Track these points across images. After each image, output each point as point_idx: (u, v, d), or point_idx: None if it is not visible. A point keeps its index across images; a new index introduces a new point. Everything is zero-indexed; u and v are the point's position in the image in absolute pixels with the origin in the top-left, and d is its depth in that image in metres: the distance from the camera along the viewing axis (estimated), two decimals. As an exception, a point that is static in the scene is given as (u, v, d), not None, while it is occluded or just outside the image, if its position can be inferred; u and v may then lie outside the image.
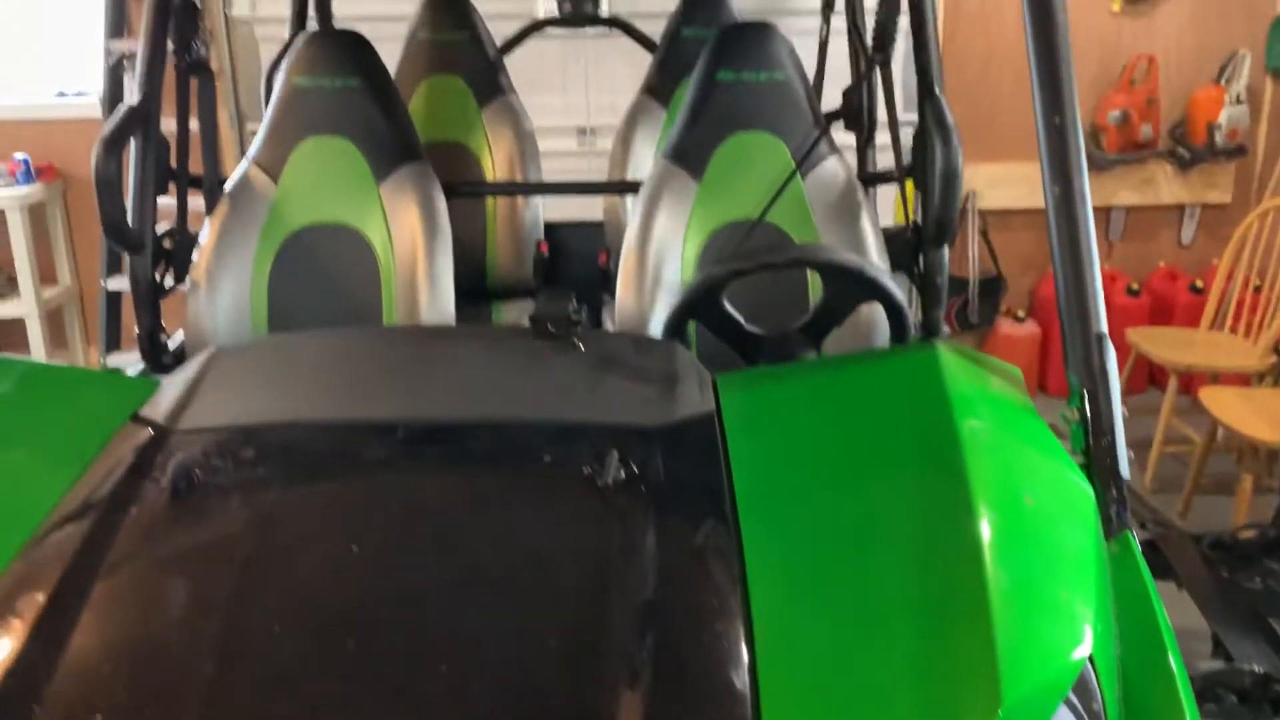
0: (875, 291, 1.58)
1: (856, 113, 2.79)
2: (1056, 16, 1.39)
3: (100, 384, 1.45)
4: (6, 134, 4.64)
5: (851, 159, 2.82)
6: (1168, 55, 4.66)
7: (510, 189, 2.95)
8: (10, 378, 1.39)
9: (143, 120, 2.20)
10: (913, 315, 2.34)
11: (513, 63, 4.57)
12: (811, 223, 2.23)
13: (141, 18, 2.27)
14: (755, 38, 2.29)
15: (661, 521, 1.09)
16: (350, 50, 2.31)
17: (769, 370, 1.51)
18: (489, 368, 1.36)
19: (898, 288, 1.59)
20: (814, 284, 2.17)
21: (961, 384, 1.23)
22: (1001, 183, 4.76)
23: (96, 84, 4.72)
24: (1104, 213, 4.86)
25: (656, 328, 2.20)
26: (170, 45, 2.27)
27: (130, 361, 4.90)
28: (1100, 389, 1.27)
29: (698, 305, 1.60)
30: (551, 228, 3.14)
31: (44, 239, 4.81)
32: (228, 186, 2.28)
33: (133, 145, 2.21)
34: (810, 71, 3.04)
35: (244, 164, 2.30)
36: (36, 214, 4.71)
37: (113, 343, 4.72)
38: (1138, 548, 1.19)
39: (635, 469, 1.15)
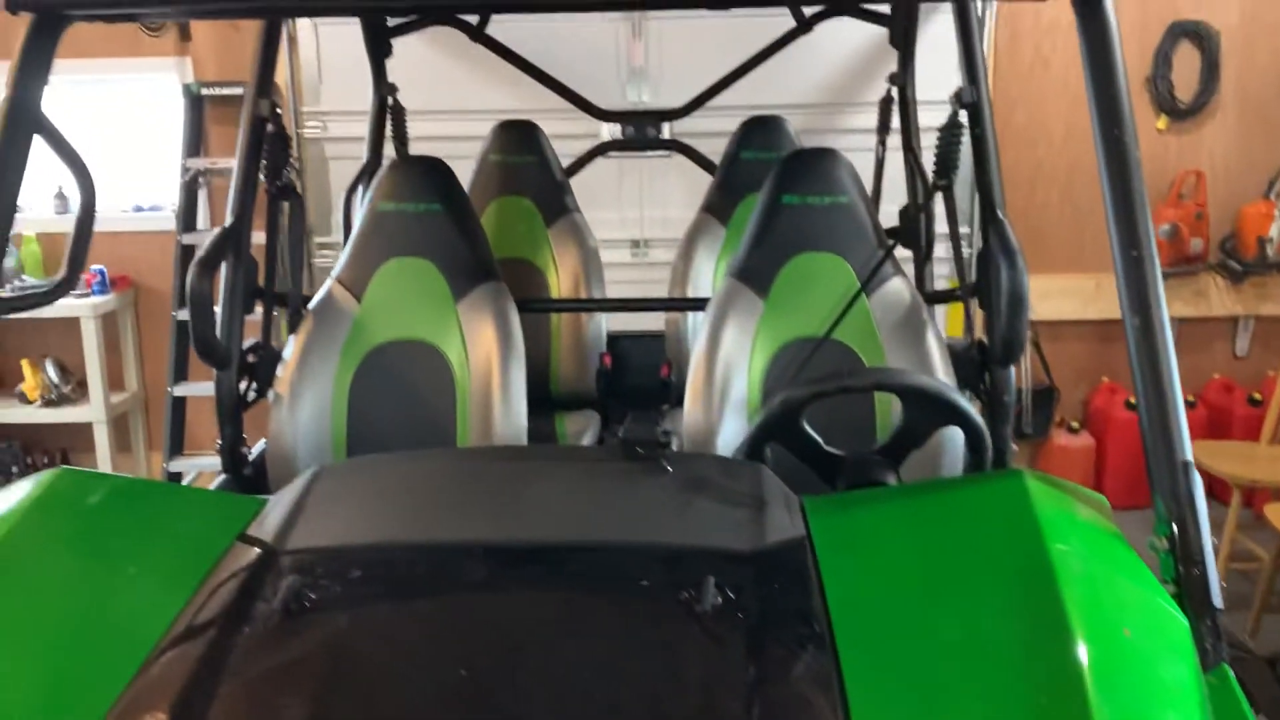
0: (956, 416, 1.61)
1: (914, 232, 2.85)
2: (1130, 153, 1.44)
3: (207, 502, 1.50)
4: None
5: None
6: (1215, 170, 4.72)
7: (579, 306, 3.04)
8: (120, 496, 1.45)
9: (235, 241, 2.30)
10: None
11: (571, 179, 4.74)
12: (878, 340, 2.27)
13: (236, 143, 2.40)
14: (819, 163, 2.37)
15: (760, 648, 1.11)
16: (433, 176, 2.42)
17: (856, 495, 1.54)
18: (582, 490, 1.39)
19: (977, 413, 1.62)
20: (881, 405, 2.20)
21: (1051, 512, 1.25)
22: (1052, 294, 4.80)
23: (170, 199, 4.95)
24: (1156, 324, 4.87)
25: (725, 443, 2.24)
26: (262, 171, 2.39)
27: (191, 467, 4.99)
28: (1189, 517, 1.28)
29: (778, 426, 1.64)
30: (613, 339, 3.21)
31: (114, 346, 4.97)
32: (312, 304, 2.37)
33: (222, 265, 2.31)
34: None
35: (328, 282, 2.39)
36: (109, 322, 4.87)
37: (176, 448, 4.84)
38: (1235, 681, 1.19)
39: (732, 594, 1.17)
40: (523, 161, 3.18)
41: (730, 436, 2.25)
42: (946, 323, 4.90)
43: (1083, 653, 1.05)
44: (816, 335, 2.27)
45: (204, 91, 4.74)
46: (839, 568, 1.24)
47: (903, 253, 3.02)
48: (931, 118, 4.49)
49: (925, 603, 1.17)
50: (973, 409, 1.61)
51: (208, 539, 1.33)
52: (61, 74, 4.90)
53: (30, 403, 4.82)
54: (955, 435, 2.14)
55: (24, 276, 4.83)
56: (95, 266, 4.82)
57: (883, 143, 3.34)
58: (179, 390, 4.79)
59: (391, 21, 3.14)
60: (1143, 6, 4.60)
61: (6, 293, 4.72)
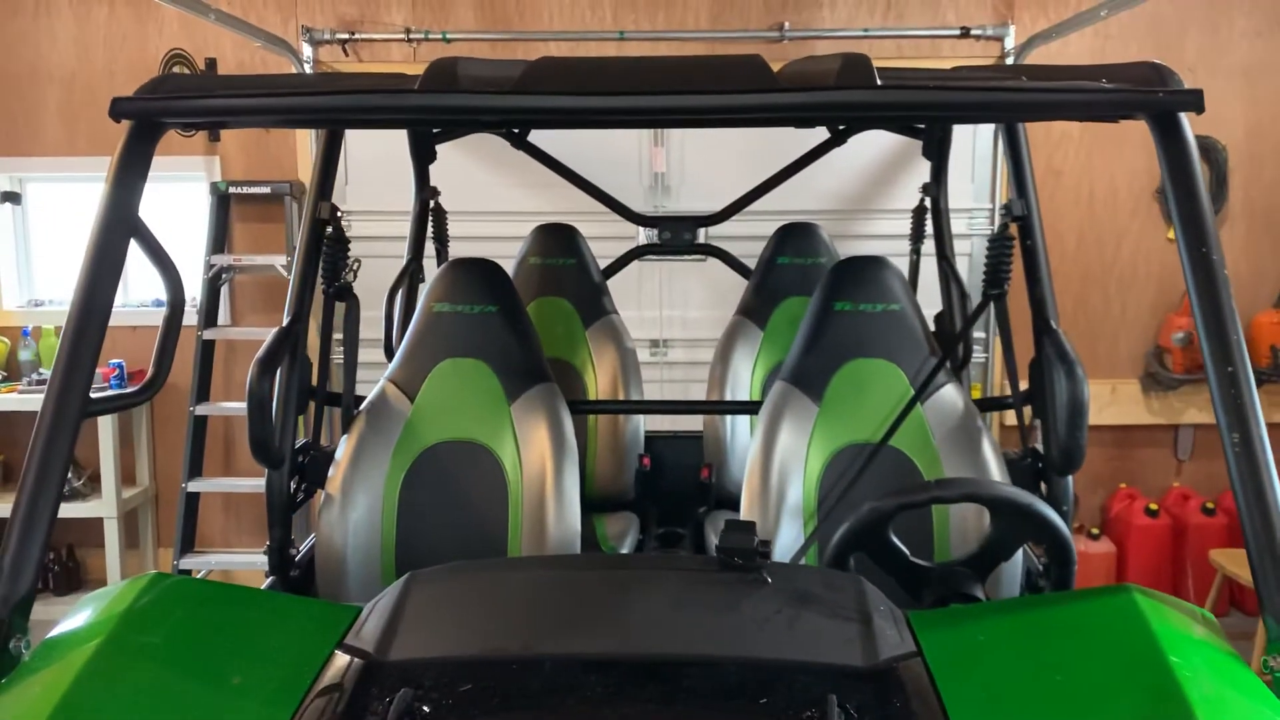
0: (1047, 530, 1.60)
1: (952, 341, 2.88)
2: (1217, 270, 1.47)
3: (300, 609, 1.47)
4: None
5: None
6: (1225, 280, 4.80)
7: (622, 408, 3.04)
8: (212, 602, 1.42)
9: (292, 342, 2.31)
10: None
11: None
12: (932, 447, 2.28)
13: (297, 246, 2.43)
14: (871, 271, 2.40)
15: (892, 768, 1.09)
16: (489, 278, 2.44)
17: (961, 610, 1.52)
18: (686, 600, 1.37)
19: (1067, 529, 1.61)
20: (939, 516, 2.20)
21: (1169, 630, 1.24)
22: (1068, 399, 4.82)
23: (190, 294, 4.97)
24: (1172, 431, 4.90)
25: (781, 548, 2.22)
26: (320, 272, 2.41)
27: (201, 564, 4.90)
28: (1304, 637, 1.27)
29: (865, 535, 1.63)
30: (650, 440, 3.21)
31: (128, 441, 4.93)
32: (365, 404, 2.37)
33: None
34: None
35: (381, 383, 2.39)
36: (124, 417, 4.85)
37: (187, 545, 4.77)
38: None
39: (855, 713, 1.15)
40: (562, 264, 3.22)
41: (787, 541, 2.24)
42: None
43: (1226, 776, 1.03)
44: (871, 441, 2.27)
45: (231, 190, 4.80)
46: (957, 685, 1.22)
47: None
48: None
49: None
50: (1064, 526, 1.61)
51: (307, 647, 1.31)
52: (91, 170, 4.96)
53: (40, 497, 4.74)
54: None
55: (41, 370, 4.81)
56: (113, 360, 4.81)
57: (916, 250, 3.40)
58: (193, 486, 4.74)
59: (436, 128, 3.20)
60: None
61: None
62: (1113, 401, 4.85)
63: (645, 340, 4.94)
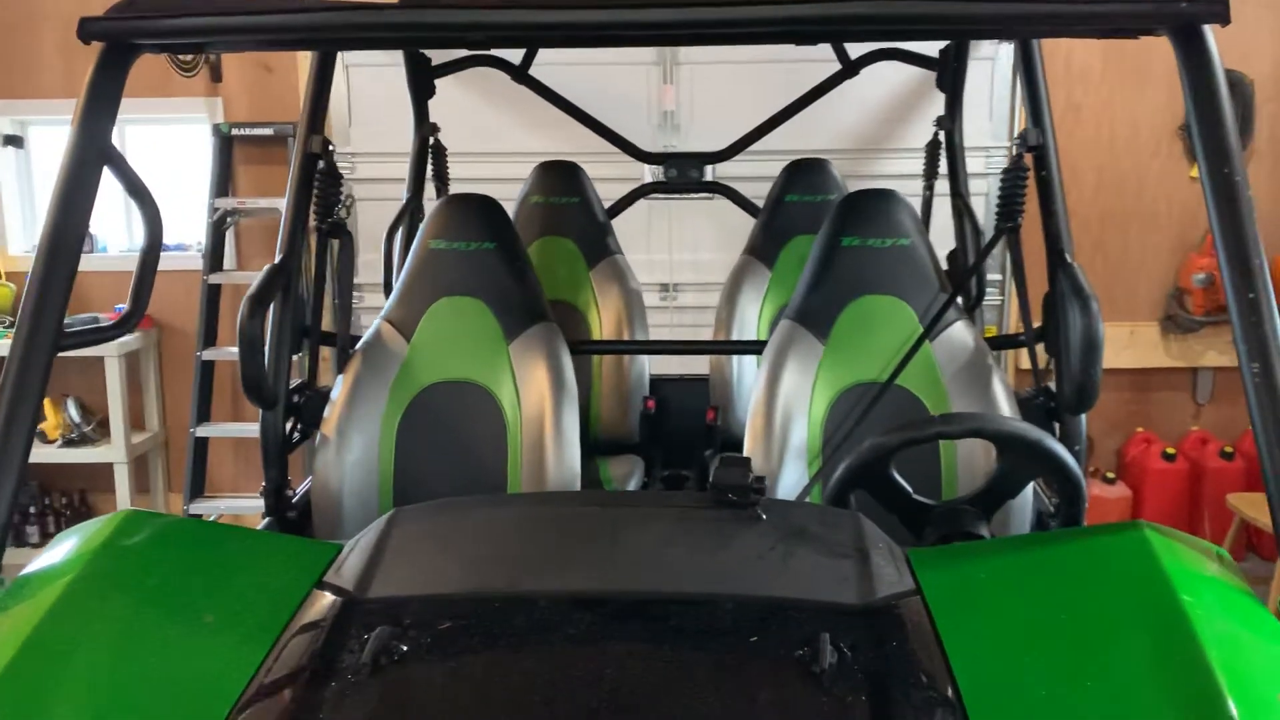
0: (1055, 467, 1.54)
1: (963, 276, 2.81)
2: (1240, 191, 1.39)
3: (279, 546, 1.44)
4: (110, 285, 4.80)
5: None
6: (1249, 219, 4.69)
7: (625, 348, 2.98)
8: (189, 539, 1.39)
9: (284, 279, 2.25)
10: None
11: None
12: (941, 386, 2.21)
13: (287, 181, 2.36)
14: (879, 204, 2.33)
15: (886, 710, 1.04)
16: (486, 215, 2.38)
17: (962, 548, 1.47)
18: (676, 538, 1.33)
19: (1077, 465, 1.55)
20: (947, 454, 2.14)
21: (1181, 567, 1.19)
22: (1085, 343, 4.74)
23: (195, 238, 4.93)
24: (1191, 375, 4.81)
25: (785, 488, 2.18)
26: (312, 209, 2.35)
27: (211, 509, 4.91)
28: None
29: (867, 472, 1.57)
30: (655, 383, 3.15)
31: (137, 386, 4.91)
32: (360, 344, 2.32)
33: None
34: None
35: (376, 322, 2.34)
36: (131, 362, 4.83)
37: (196, 490, 4.77)
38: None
39: (848, 652, 1.10)
40: (565, 202, 3.14)
41: (790, 482, 2.19)
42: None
43: (1237, 717, 0.98)
44: (878, 380, 2.21)
45: (234, 132, 4.73)
46: (957, 624, 1.17)
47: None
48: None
49: (1055, 662, 1.10)
50: (1074, 462, 1.55)
51: (285, 585, 1.27)
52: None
53: (50, 442, 4.76)
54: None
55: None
56: (119, 305, 4.78)
57: (930, 187, 3.31)
58: (201, 431, 4.73)
59: (435, 61, 3.12)
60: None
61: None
62: (1131, 344, 4.75)
63: (655, 284, 4.87)
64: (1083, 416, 2.18)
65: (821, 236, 2.35)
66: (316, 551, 1.36)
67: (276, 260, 2.26)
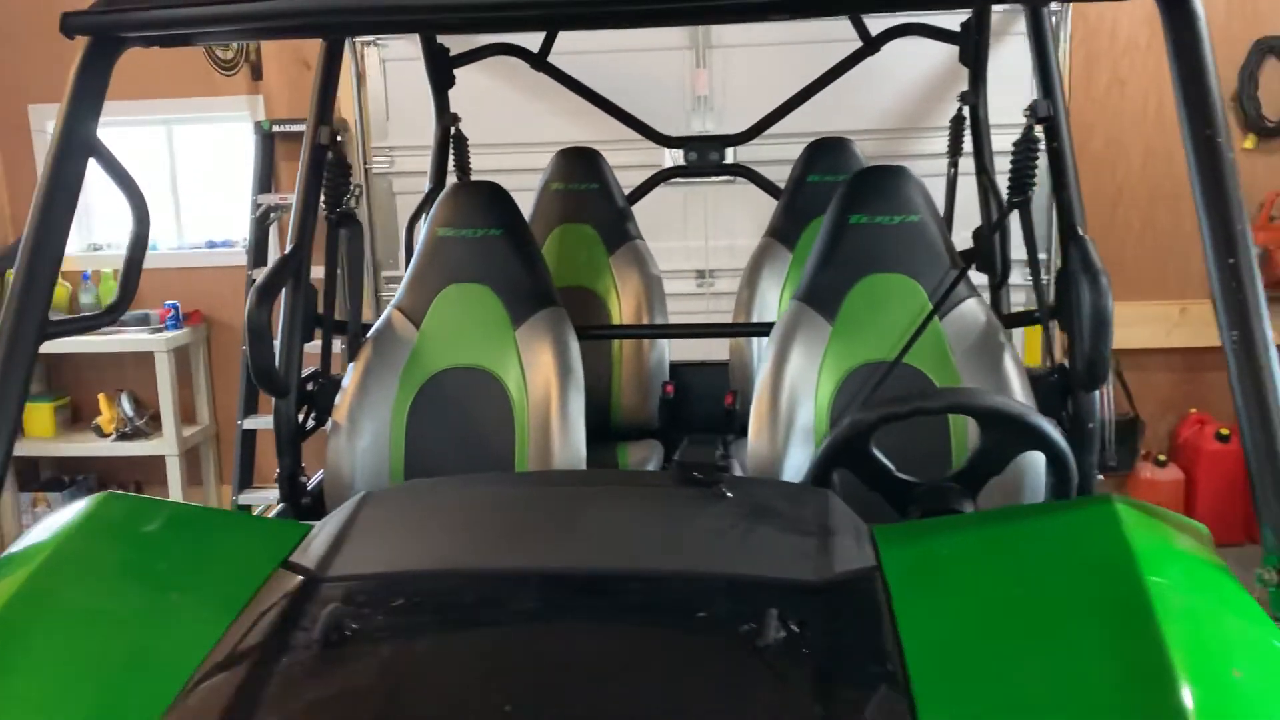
0: (1038, 440, 1.50)
1: (988, 254, 2.75)
2: (1223, 155, 1.34)
3: (252, 527, 1.46)
4: (160, 282, 4.93)
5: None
6: (1306, 191, 4.53)
7: (640, 333, 2.98)
8: (165, 521, 1.42)
9: (295, 269, 2.29)
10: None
11: (636, 209, 4.70)
12: (951, 365, 2.17)
13: (297, 174, 2.40)
14: (888, 181, 2.29)
15: (828, 687, 1.03)
16: (492, 201, 2.39)
17: (930, 524, 1.44)
18: (637, 516, 1.32)
19: (1062, 437, 1.51)
20: (957, 430, 2.10)
21: (1147, 541, 1.15)
22: (1134, 322, 4.62)
23: (242, 234, 5.02)
24: (1247, 352, 4.65)
25: (790, 472, 2.15)
26: (322, 199, 2.38)
27: (260, 500, 5.02)
28: (1301, 547, 1.16)
29: (846, 450, 1.55)
30: (676, 368, 3.14)
31: (187, 380, 5.03)
32: (372, 332, 2.35)
33: (282, 293, 2.30)
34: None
35: (388, 310, 2.37)
36: (181, 357, 4.94)
37: (245, 481, 4.88)
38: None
39: (796, 628, 1.09)
40: (584, 189, 3.14)
41: (796, 465, 2.16)
42: (1024, 350, 4.75)
43: (1188, 696, 0.94)
44: (887, 359, 2.18)
45: (275, 129, 4.81)
46: (913, 601, 1.15)
47: (978, 278, 2.93)
48: (1001, 142, 4.41)
49: (1008, 640, 1.08)
50: (1056, 432, 1.51)
51: (251, 565, 1.29)
52: (137, 114, 5.00)
53: (106, 436, 4.90)
54: (1037, 461, 2.03)
55: (102, 312, 4.92)
56: (169, 302, 4.90)
57: (954, 164, 3.25)
58: (249, 424, 4.82)
59: (454, 51, 3.14)
60: (1227, 23, 4.44)
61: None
62: (1182, 323, 4.62)
63: (691, 271, 4.85)
64: (1096, 394, 2.13)
65: (830, 216, 2.32)
66: (287, 532, 1.38)
67: (286, 251, 2.30)
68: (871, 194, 2.28)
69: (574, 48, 4.65)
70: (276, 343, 2.26)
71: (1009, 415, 1.50)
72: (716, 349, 3.24)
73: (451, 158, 3.27)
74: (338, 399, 2.28)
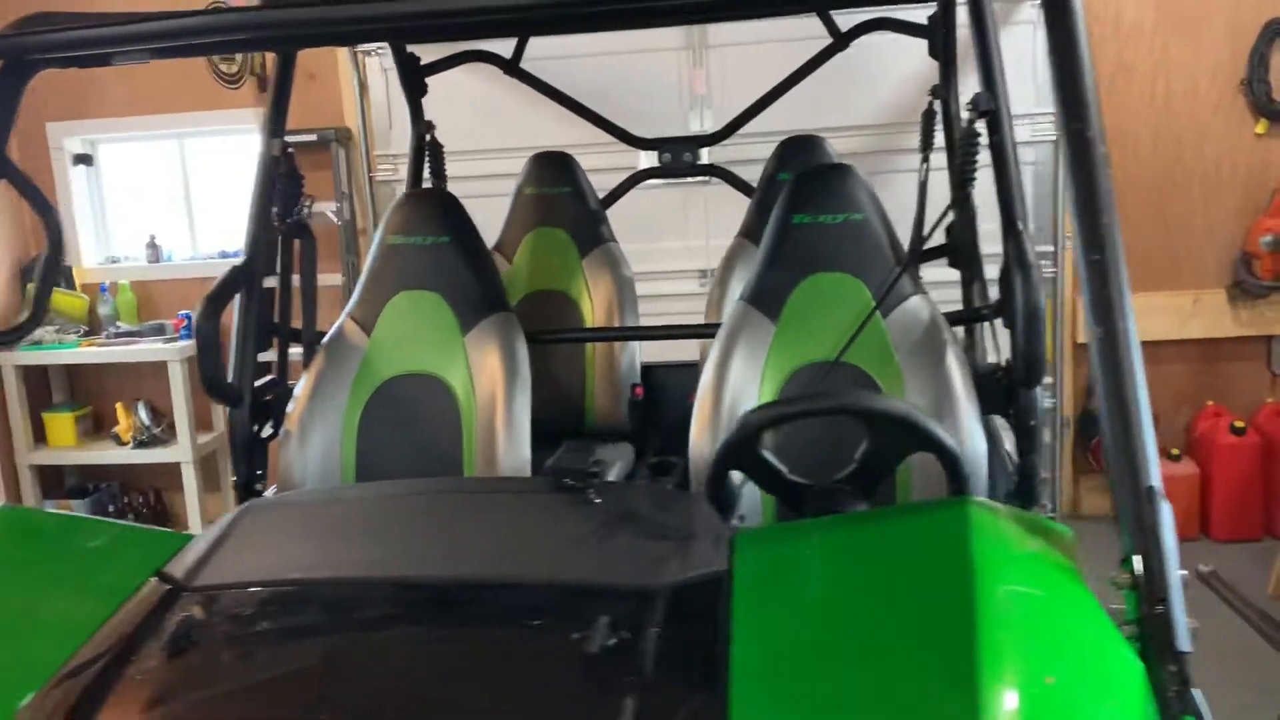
0: (925, 442, 1.48)
1: (961, 249, 2.71)
2: (1095, 149, 1.31)
3: (136, 539, 1.49)
4: (174, 292, 5.04)
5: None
6: (1322, 176, 4.40)
7: (604, 335, 2.98)
8: (53, 533, 1.45)
9: (247, 280, 2.33)
10: (1011, 461, 2.21)
11: (635, 210, 4.68)
12: (894, 363, 2.15)
13: (254, 185, 2.44)
14: (831, 180, 2.27)
15: (647, 693, 1.03)
16: (441, 209, 2.41)
17: (792, 526, 1.43)
18: (503, 524, 1.33)
19: (950, 436, 1.49)
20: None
21: (991, 547, 1.13)
22: (1147, 314, 4.51)
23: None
24: (1264, 342, 4.53)
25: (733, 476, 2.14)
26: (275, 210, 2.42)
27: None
28: (1153, 549, 1.13)
29: (738, 453, 1.54)
30: (649, 370, 3.14)
31: (201, 389, 5.12)
32: (324, 340, 2.38)
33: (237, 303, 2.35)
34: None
35: (341, 318, 2.40)
36: (194, 366, 5.02)
37: (257, 486, 4.95)
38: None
39: (628, 634, 1.09)
40: (557, 193, 3.16)
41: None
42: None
43: (991, 705, 0.93)
44: (830, 359, 2.16)
45: (281, 139, 4.88)
46: (753, 606, 1.14)
47: (953, 273, 2.88)
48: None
49: (836, 645, 1.07)
50: (943, 433, 1.49)
51: (127, 576, 1.32)
52: (150, 128, 5.11)
53: (124, 444, 5.01)
54: (975, 467, 2.00)
55: (119, 324, 5.05)
56: (183, 311, 5.00)
57: (926, 159, 3.20)
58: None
59: (425, 59, 3.17)
60: (1235, 6, 4.33)
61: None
62: (1196, 313, 4.51)
63: (694, 270, 4.84)
64: (1037, 390, 2.09)
65: (775, 216, 2.31)
66: (170, 543, 1.41)
67: (239, 262, 2.35)
68: (815, 193, 2.27)
69: (571, 51, 4.67)
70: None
71: (894, 416, 1.48)
72: (687, 349, 3.24)
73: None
74: (290, 407, 2.32)
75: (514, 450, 2.23)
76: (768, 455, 1.56)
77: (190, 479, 4.95)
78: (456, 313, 2.34)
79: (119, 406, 5.03)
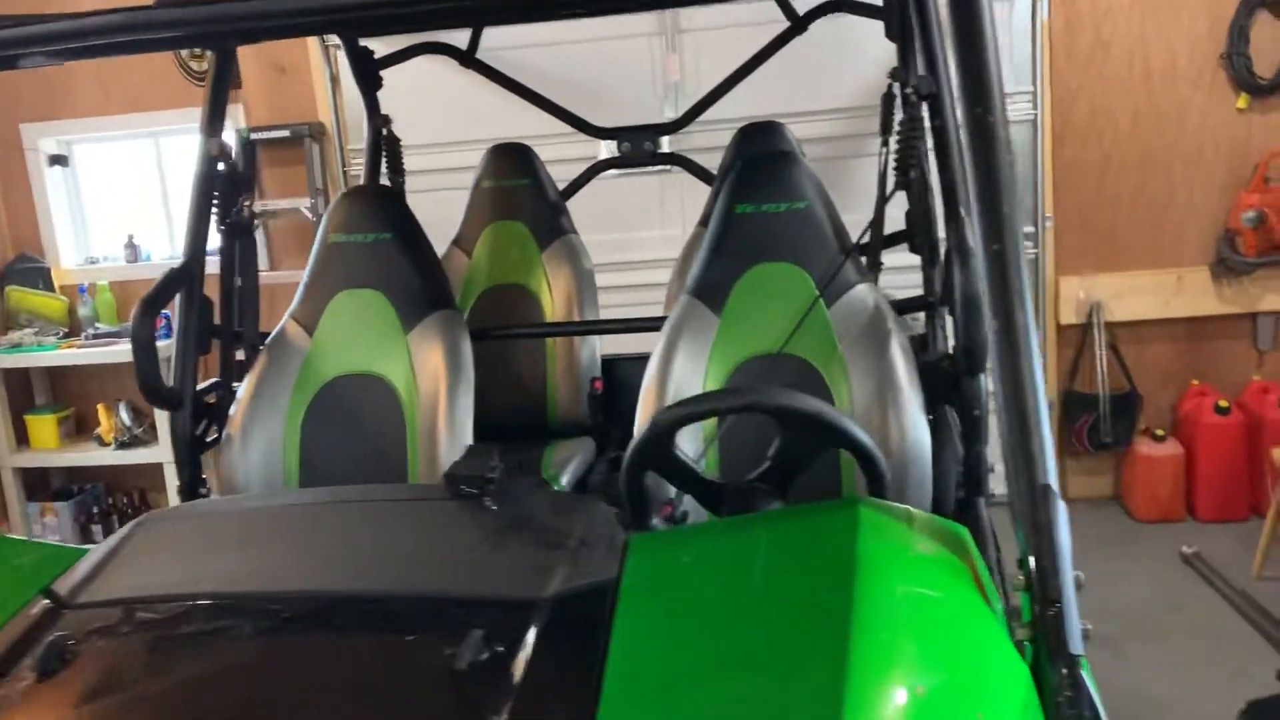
0: (838, 439, 1.45)
1: (920, 235, 2.66)
2: (995, 132, 1.27)
3: (30, 554, 1.47)
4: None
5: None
6: (1306, 149, 4.32)
7: (564, 330, 2.95)
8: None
9: (186, 281, 2.31)
10: (959, 449, 2.17)
11: (611, 199, 4.64)
12: (838, 354, 2.12)
13: (193, 184, 2.41)
14: (775, 169, 2.23)
15: (514, 709, 0.99)
16: (383, 205, 2.38)
17: (691, 529, 1.40)
18: (391, 535, 1.30)
19: (863, 432, 1.45)
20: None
21: (875, 552, 1.09)
22: (1130, 293, 4.47)
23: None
24: (1250, 320, 4.47)
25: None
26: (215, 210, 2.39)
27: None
28: (1047, 550, 1.09)
29: (650, 452, 1.51)
30: (612, 363, 3.10)
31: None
32: (267, 341, 2.35)
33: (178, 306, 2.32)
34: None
35: (284, 319, 2.37)
36: (167, 368, 5.01)
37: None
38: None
39: (501, 649, 1.05)
40: (515, 185, 3.12)
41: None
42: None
43: (854, 716, 0.89)
44: (774, 352, 2.12)
45: (254, 135, 4.86)
46: (636, 615, 1.11)
47: (913, 259, 2.84)
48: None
49: (709, 660, 1.04)
50: (856, 429, 1.45)
51: (15, 593, 1.29)
52: (125, 128, 5.07)
53: (106, 445, 5.01)
54: (917, 457, 1.97)
55: (98, 324, 5.03)
56: (163, 311, 4.97)
57: (886, 143, 3.14)
58: (240, 428, 4.89)
59: (379, 53, 3.13)
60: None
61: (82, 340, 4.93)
62: (1180, 291, 4.45)
63: (671, 259, 4.75)
64: (981, 378, 2.05)
65: (718, 206, 2.27)
66: (65, 558, 1.38)
67: (178, 264, 2.32)
68: (758, 182, 2.23)
69: (543, 40, 4.62)
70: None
71: (803, 413, 1.44)
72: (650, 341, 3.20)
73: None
74: (232, 410, 2.29)
75: (456, 450, 2.20)
76: (680, 454, 1.52)
77: (173, 480, 4.93)
78: (399, 311, 2.31)
79: (100, 407, 5.02)
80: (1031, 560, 1.09)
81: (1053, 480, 1.13)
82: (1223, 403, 4.27)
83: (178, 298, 2.33)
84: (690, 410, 1.49)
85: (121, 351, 4.86)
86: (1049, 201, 4.48)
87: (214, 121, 2.38)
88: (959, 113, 1.29)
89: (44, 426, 5.05)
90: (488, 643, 1.05)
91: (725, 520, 1.46)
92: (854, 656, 0.94)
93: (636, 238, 4.77)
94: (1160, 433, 4.40)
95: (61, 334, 5.04)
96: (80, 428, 5.24)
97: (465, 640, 1.05)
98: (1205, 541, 4.05)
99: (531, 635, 1.08)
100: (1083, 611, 1.06)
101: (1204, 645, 3.38)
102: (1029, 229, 4.53)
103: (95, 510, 5.12)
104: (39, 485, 5.24)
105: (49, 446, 5.08)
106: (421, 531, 1.30)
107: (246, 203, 2.43)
